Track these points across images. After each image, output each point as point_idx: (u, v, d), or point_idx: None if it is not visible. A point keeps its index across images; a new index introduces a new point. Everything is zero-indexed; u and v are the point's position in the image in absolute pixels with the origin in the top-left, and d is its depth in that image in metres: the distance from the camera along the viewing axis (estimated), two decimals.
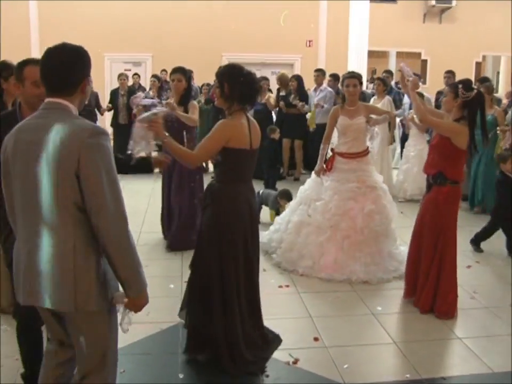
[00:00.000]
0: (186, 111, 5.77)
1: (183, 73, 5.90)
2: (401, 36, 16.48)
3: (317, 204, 5.47)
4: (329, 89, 9.97)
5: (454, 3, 16.52)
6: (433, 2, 16.52)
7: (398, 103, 9.44)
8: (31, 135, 2.25)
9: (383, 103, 8.56)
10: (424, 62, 17.10)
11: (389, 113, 6.05)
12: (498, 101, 9.01)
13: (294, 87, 9.66)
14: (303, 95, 9.66)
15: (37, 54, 14.51)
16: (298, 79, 9.78)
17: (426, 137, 8.29)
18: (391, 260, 5.36)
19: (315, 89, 9.94)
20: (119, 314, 2.47)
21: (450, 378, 3.57)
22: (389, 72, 10.71)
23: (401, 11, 16.66)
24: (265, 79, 10.36)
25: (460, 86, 4.37)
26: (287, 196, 6.70)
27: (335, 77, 10.17)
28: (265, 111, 9.72)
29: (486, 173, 7.58)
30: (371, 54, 14.83)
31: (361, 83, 5.46)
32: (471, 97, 4.32)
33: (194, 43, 15.47)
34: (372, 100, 9.07)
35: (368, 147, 5.61)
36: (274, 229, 5.91)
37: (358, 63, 13.32)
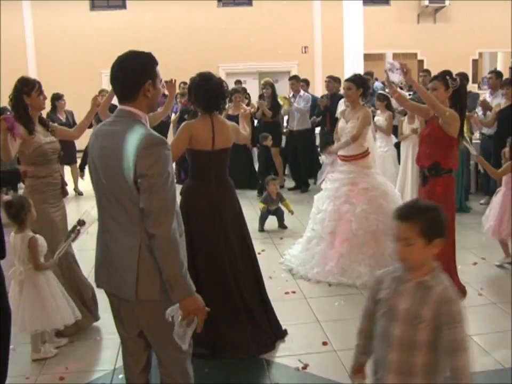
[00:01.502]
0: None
1: None
2: (397, 38, 16.51)
3: (317, 216, 5.55)
4: (307, 94, 10.19)
5: (447, 2, 16.54)
6: (427, 3, 16.54)
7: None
8: (104, 140, 2.44)
9: (386, 118, 8.36)
10: (421, 62, 17.10)
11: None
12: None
13: (268, 94, 9.84)
14: (274, 103, 9.84)
15: (33, 71, 14.66)
16: (272, 86, 9.96)
17: (394, 139, 8.33)
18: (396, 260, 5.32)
19: (293, 96, 9.97)
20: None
21: None
22: (370, 74, 10.83)
23: (395, 13, 16.70)
24: (237, 91, 10.22)
25: (447, 77, 4.51)
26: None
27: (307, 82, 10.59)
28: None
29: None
30: (367, 57, 14.84)
31: (361, 86, 5.40)
32: (458, 85, 4.50)
33: (191, 55, 15.53)
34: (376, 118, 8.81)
35: (367, 149, 5.54)
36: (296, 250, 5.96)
37: (354, 67, 13.32)
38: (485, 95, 8.61)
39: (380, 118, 8.20)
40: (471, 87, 9.44)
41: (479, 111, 8.21)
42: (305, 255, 5.63)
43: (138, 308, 2.48)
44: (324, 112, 9.45)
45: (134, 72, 2.43)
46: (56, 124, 4.62)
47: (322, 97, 10.04)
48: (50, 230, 4.05)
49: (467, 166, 8.24)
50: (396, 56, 17.59)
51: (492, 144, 7.78)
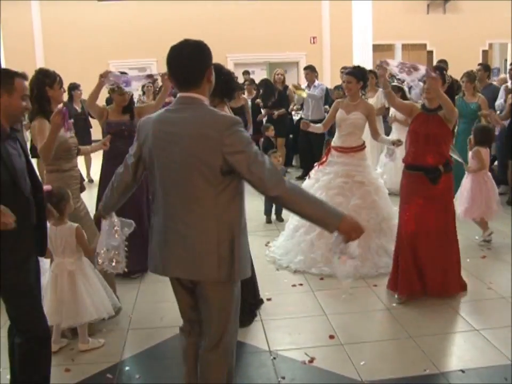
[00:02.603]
0: (132, 115, 5.22)
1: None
2: (406, 28, 16.38)
3: None
4: (321, 83, 10.30)
5: None
6: None
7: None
8: (172, 127, 2.51)
9: (377, 96, 8.44)
10: (430, 53, 16.97)
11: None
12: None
13: (279, 80, 10.24)
14: (280, 95, 10.13)
15: (41, 63, 14.64)
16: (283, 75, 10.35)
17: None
18: (384, 256, 5.22)
19: (308, 86, 10.01)
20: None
21: (469, 371, 3.51)
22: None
23: (405, 3, 16.54)
24: (247, 80, 10.52)
25: (444, 72, 4.45)
26: None
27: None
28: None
29: None
30: (376, 47, 14.75)
31: (361, 79, 5.36)
32: (450, 82, 4.48)
33: None
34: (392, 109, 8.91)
35: (363, 143, 5.52)
36: (282, 240, 5.91)
37: (363, 57, 13.24)
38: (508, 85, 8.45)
39: None
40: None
41: (500, 103, 8.09)
42: (290, 243, 5.60)
43: (213, 289, 2.60)
44: None
45: (198, 60, 2.55)
46: None
47: (336, 88, 9.99)
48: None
49: None
50: (404, 47, 17.49)
51: (508, 134, 7.78)
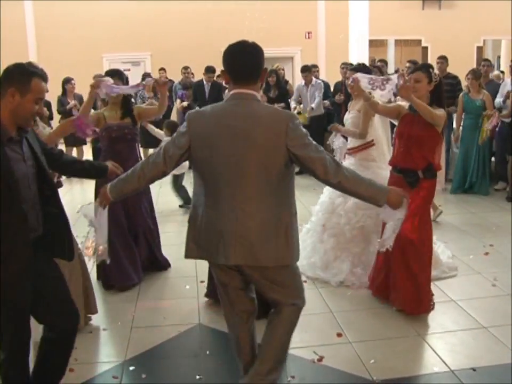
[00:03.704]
0: (133, 120, 4.91)
1: (119, 77, 4.87)
2: (401, 24, 16.33)
3: (315, 208, 5.45)
4: (319, 81, 10.20)
5: None
6: None
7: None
8: (235, 120, 2.64)
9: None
10: (425, 49, 16.96)
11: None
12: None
13: (273, 82, 9.86)
14: (281, 90, 9.98)
15: (34, 55, 14.47)
16: (276, 73, 10.06)
17: None
18: None
19: (305, 85, 9.95)
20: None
21: (480, 369, 3.47)
22: (384, 61, 10.80)
23: None
24: None
25: (431, 69, 4.26)
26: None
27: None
28: None
29: (479, 156, 7.99)
30: (371, 43, 14.68)
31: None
32: (438, 80, 4.25)
33: (193, 40, 15.35)
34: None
35: (370, 141, 5.21)
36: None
37: (359, 53, 13.17)
38: (507, 82, 8.47)
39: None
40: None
41: (499, 101, 8.10)
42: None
43: (271, 271, 2.79)
44: (343, 105, 9.38)
45: (258, 59, 2.72)
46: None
47: (337, 86, 9.93)
48: None
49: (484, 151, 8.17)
50: (398, 43, 17.44)
51: (509, 130, 7.79)
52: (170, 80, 12.44)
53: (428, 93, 4.22)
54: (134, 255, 4.93)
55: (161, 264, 5.27)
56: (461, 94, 8.09)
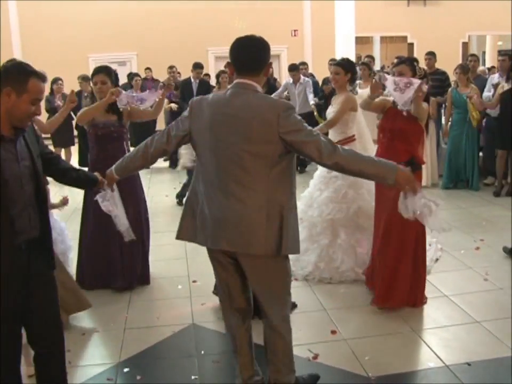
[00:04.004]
0: (119, 117, 4.79)
1: (107, 73, 4.79)
2: (387, 21, 16.40)
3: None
4: (307, 79, 10.21)
5: None
6: None
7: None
8: (231, 109, 2.72)
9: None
10: (411, 45, 17.03)
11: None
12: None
13: None
14: (270, 86, 9.91)
15: (19, 55, 14.32)
16: None
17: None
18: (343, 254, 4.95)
19: (294, 83, 9.97)
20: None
21: (475, 364, 3.48)
22: (371, 57, 10.86)
23: None
24: (224, 72, 10.24)
25: (415, 63, 4.25)
26: None
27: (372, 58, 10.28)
28: None
29: (468, 150, 8.00)
30: (355, 40, 14.71)
31: (349, 71, 5.09)
32: (423, 74, 4.25)
33: (179, 39, 15.30)
34: (358, 83, 9.05)
35: (350, 136, 5.12)
36: None
37: (345, 50, 13.19)
38: (494, 76, 8.52)
39: None
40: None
41: (487, 95, 8.14)
42: None
43: (261, 262, 2.81)
44: (329, 97, 9.37)
45: (263, 51, 2.81)
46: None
47: (325, 81, 10.00)
48: None
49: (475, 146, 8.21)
50: (383, 40, 17.49)
51: (496, 125, 7.83)
52: (156, 80, 12.39)
53: None
54: (117, 258, 4.79)
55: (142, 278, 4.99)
56: (450, 89, 8.16)
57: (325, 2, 14.80)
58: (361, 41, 16.55)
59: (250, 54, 2.80)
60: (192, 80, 10.47)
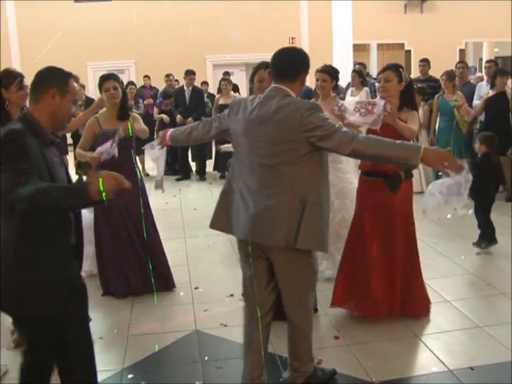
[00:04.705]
0: (127, 126, 4.80)
1: (116, 79, 4.79)
2: (384, 28, 16.48)
3: None
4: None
5: None
6: None
7: (372, 94, 9.42)
8: (263, 110, 2.95)
9: (361, 95, 8.56)
10: (408, 52, 17.11)
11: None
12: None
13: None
14: None
15: (17, 64, 14.35)
16: None
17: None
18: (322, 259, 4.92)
19: None
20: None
21: (478, 368, 3.50)
22: (362, 64, 10.93)
23: (382, 3, 16.61)
24: (224, 79, 10.31)
25: (401, 69, 4.13)
26: None
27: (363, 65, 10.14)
28: None
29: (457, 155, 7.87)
30: (353, 47, 14.79)
31: (334, 77, 5.09)
32: (408, 81, 4.15)
33: (177, 47, 15.35)
34: (349, 91, 9.13)
35: None
36: None
37: (342, 58, 13.26)
38: (482, 84, 8.59)
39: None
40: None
41: (477, 103, 8.17)
42: None
43: (287, 255, 2.96)
44: None
45: (300, 60, 3.04)
46: None
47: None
48: None
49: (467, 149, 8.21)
50: (380, 47, 17.56)
51: (482, 130, 7.79)
52: (154, 87, 12.44)
53: (398, 93, 4.13)
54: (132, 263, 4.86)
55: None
56: (436, 96, 8.16)
57: (322, 10, 14.89)
58: (358, 48, 16.63)
59: (285, 62, 3.02)
60: (185, 88, 10.50)
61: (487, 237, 5.71)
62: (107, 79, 4.77)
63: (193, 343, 4.01)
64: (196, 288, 4.98)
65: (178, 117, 10.16)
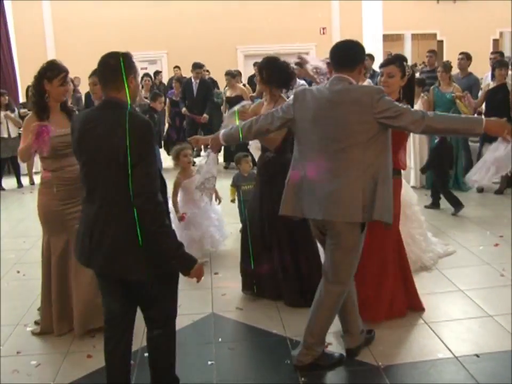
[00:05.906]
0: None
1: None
2: (416, 18, 16.32)
3: None
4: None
5: None
6: None
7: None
8: (331, 96, 3.17)
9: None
10: (440, 42, 16.91)
11: None
12: None
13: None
14: None
15: (52, 56, 14.70)
16: None
17: None
18: (411, 245, 4.98)
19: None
20: None
21: (484, 356, 3.56)
22: (370, 56, 10.63)
23: None
24: (227, 74, 10.34)
25: (405, 63, 3.99)
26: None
27: (370, 56, 9.98)
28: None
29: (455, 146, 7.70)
30: (385, 37, 14.70)
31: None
32: (410, 74, 4.00)
33: (208, 37, 15.49)
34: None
35: None
36: None
37: (373, 47, 13.19)
38: (488, 75, 8.48)
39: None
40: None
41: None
42: None
43: (352, 229, 3.19)
44: None
45: (355, 51, 3.31)
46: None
47: None
48: (54, 228, 3.90)
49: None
50: (414, 37, 17.39)
51: None
52: (184, 77, 12.62)
53: (401, 88, 3.94)
54: None
55: None
56: (432, 87, 8.02)
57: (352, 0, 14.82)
58: (392, 38, 16.52)
59: (343, 53, 3.28)
60: (193, 80, 10.64)
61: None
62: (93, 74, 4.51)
63: (209, 325, 4.16)
64: (216, 273, 5.13)
65: (184, 109, 10.33)
